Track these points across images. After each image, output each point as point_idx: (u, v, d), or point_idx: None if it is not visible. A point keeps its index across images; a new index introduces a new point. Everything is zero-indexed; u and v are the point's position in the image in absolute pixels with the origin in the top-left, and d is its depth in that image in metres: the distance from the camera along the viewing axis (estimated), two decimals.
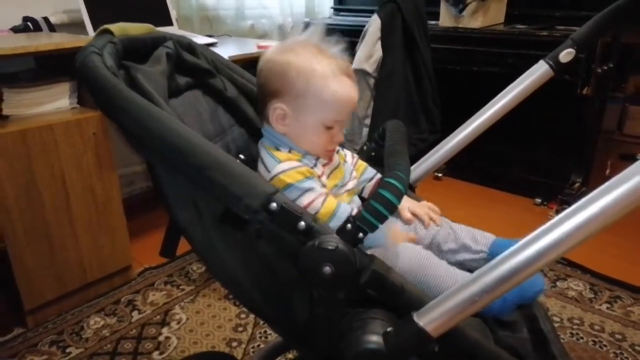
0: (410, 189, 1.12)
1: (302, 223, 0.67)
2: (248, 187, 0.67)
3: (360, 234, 0.67)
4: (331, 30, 0.91)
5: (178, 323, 1.57)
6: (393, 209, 0.67)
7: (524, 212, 2.30)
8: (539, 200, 2.38)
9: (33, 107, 1.55)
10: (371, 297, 0.70)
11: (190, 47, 0.98)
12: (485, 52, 2.21)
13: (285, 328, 0.83)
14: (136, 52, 0.84)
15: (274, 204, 0.67)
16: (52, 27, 1.91)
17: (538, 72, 1.04)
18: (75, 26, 1.95)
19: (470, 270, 0.90)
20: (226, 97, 0.99)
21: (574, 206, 0.55)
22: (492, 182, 2.56)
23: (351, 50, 1.92)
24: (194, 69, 0.96)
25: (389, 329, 0.67)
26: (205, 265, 1.75)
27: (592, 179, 2.34)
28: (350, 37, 2.38)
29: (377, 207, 0.67)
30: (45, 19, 1.90)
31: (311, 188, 0.81)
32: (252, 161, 0.97)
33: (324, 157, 0.91)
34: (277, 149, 0.88)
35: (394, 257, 0.83)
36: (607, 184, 0.53)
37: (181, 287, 1.76)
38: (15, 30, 1.83)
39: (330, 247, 0.66)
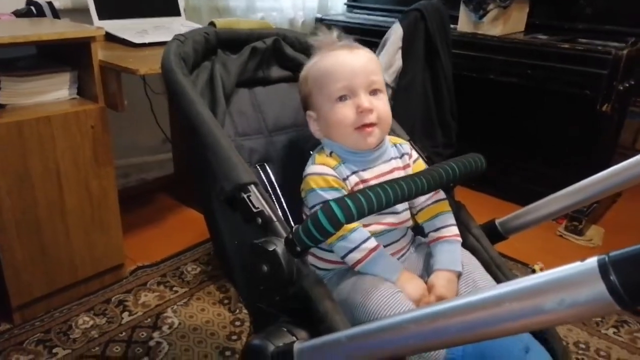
0: (500, 238, 0.99)
1: (259, 219, 0.72)
2: (227, 171, 0.75)
3: (298, 248, 0.67)
4: (344, 29, 0.97)
5: (170, 327, 1.52)
6: (325, 234, 0.64)
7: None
8: None
9: (31, 96, 1.49)
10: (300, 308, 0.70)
11: (299, 42, 1.06)
12: (503, 61, 2.11)
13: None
14: (232, 43, 1.00)
15: (242, 194, 0.73)
16: (55, 13, 1.84)
17: None
18: (80, 12, 1.89)
19: None
20: None
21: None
22: (502, 192, 2.49)
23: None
24: (294, 63, 1.04)
25: (280, 345, 0.66)
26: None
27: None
28: (365, 36, 2.33)
29: (309, 227, 0.65)
30: (49, 4, 1.83)
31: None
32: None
33: (361, 142, 0.84)
34: (323, 150, 0.89)
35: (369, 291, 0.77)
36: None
37: (174, 288, 1.70)
38: (18, 14, 1.77)
39: (268, 249, 0.68)
